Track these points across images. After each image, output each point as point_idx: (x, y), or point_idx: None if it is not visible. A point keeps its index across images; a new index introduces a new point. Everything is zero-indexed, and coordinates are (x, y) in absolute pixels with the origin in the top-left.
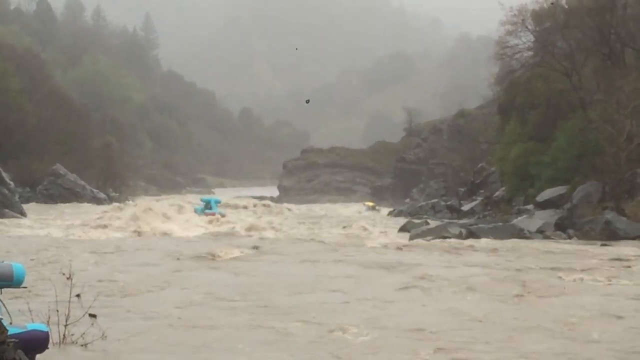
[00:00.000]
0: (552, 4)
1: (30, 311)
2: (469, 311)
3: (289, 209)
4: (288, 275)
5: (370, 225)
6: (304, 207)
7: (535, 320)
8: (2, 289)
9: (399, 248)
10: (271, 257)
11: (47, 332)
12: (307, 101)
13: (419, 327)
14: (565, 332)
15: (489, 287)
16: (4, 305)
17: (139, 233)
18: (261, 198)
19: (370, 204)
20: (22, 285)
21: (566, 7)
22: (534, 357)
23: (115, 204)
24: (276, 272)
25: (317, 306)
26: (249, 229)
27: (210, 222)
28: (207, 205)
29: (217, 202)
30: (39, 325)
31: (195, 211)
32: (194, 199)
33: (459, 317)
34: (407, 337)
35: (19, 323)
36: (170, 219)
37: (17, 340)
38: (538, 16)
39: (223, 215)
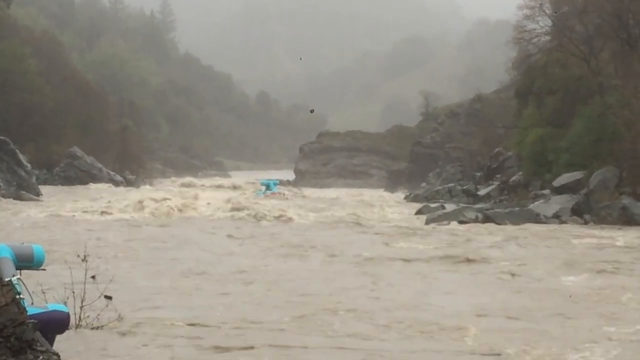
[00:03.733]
0: None
1: (44, 292)
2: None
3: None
4: None
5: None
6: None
7: None
8: (23, 270)
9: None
10: None
11: (68, 312)
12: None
13: None
14: None
15: None
16: (24, 285)
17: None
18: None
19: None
20: (42, 267)
21: None
22: None
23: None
24: None
25: None
26: None
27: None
28: (268, 187)
29: (276, 183)
30: (59, 306)
31: (257, 194)
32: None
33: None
34: None
35: (40, 303)
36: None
37: (36, 321)
38: (556, 0)
39: (284, 194)
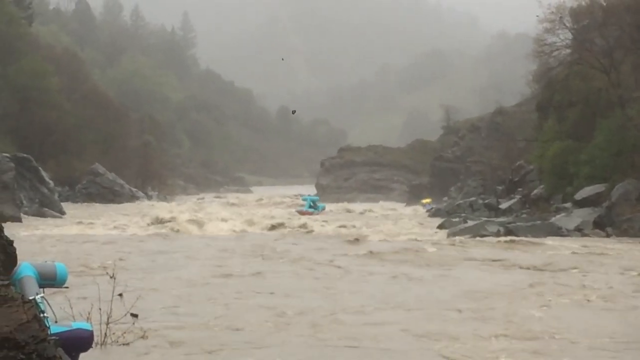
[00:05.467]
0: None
1: (72, 308)
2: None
3: None
4: None
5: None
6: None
7: None
8: (46, 288)
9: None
10: None
11: (92, 330)
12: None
13: None
14: None
15: None
16: (48, 303)
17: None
18: (298, 196)
19: (427, 200)
20: (65, 285)
21: (604, 4)
22: None
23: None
24: None
25: None
26: None
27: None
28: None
29: (314, 199)
30: (83, 324)
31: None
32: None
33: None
34: None
35: (64, 322)
36: None
37: (57, 338)
38: (576, 13)
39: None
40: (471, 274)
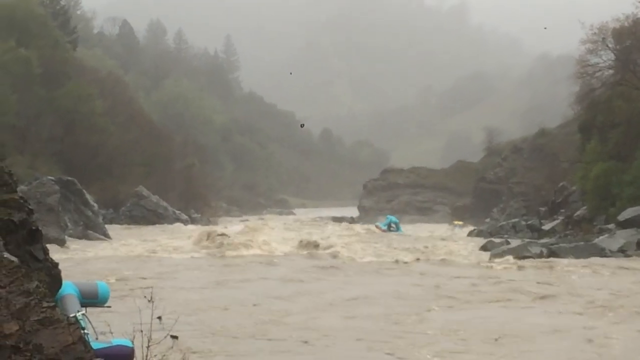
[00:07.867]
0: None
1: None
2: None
3: None
4: None
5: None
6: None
7: None
8: (88, 307)
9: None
10: None
11: (132, 347)
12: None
13: None
14: None
15: None
16: (89, 321)
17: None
18: (341, 218)
19: (459, 222)
20: (107, 304)
21: None
22: None
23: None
24: None
25: None
26: None
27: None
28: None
29: (391, 221)
30: (124, 341)
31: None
32: None
33: None
34: None
35: (104, 338)
36: None
37: None
38: (619, 34)
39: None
40: None
